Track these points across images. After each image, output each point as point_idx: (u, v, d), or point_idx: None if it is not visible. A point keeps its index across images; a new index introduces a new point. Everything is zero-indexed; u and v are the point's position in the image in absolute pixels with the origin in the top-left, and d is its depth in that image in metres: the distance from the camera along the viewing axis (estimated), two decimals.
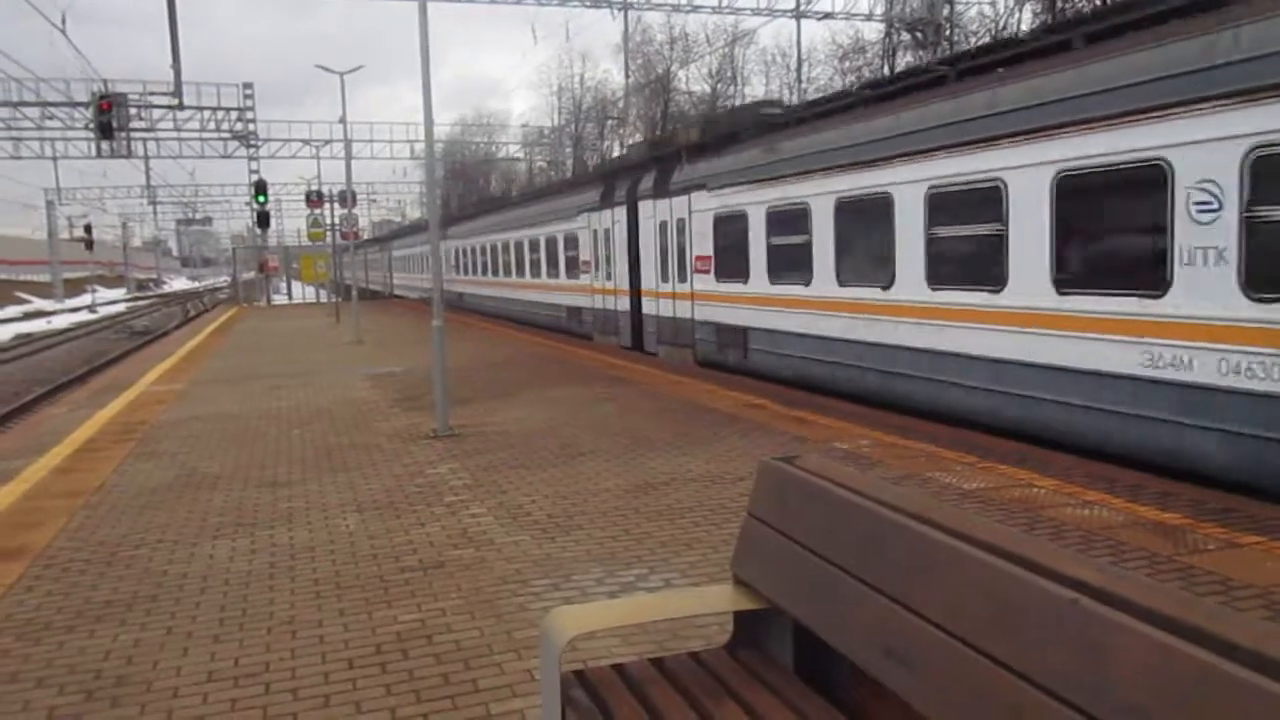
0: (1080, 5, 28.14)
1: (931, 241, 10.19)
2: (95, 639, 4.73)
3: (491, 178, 72.52)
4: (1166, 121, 7.40)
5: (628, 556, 5.73)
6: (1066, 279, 8.47)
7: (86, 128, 36.76)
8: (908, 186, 10.43)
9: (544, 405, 11.53)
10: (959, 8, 34.98)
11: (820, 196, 12.15)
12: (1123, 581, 1.83)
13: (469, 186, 71.37)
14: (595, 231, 20.33)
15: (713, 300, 15.22)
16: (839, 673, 2.76)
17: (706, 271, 15.30)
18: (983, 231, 9.44)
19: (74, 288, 71.78)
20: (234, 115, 39.95)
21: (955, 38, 33.38)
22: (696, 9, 35.72)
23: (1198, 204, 7.14)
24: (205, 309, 53.08)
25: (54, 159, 50.15)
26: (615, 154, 45.34)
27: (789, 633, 2.90)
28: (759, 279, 13.81)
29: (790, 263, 12.93)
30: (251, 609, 5.08)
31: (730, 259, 14.54)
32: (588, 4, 35.03)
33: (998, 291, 9.22)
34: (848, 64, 43.00)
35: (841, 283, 11.86)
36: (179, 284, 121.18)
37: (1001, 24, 34.32)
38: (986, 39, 31.96)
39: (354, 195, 29.65)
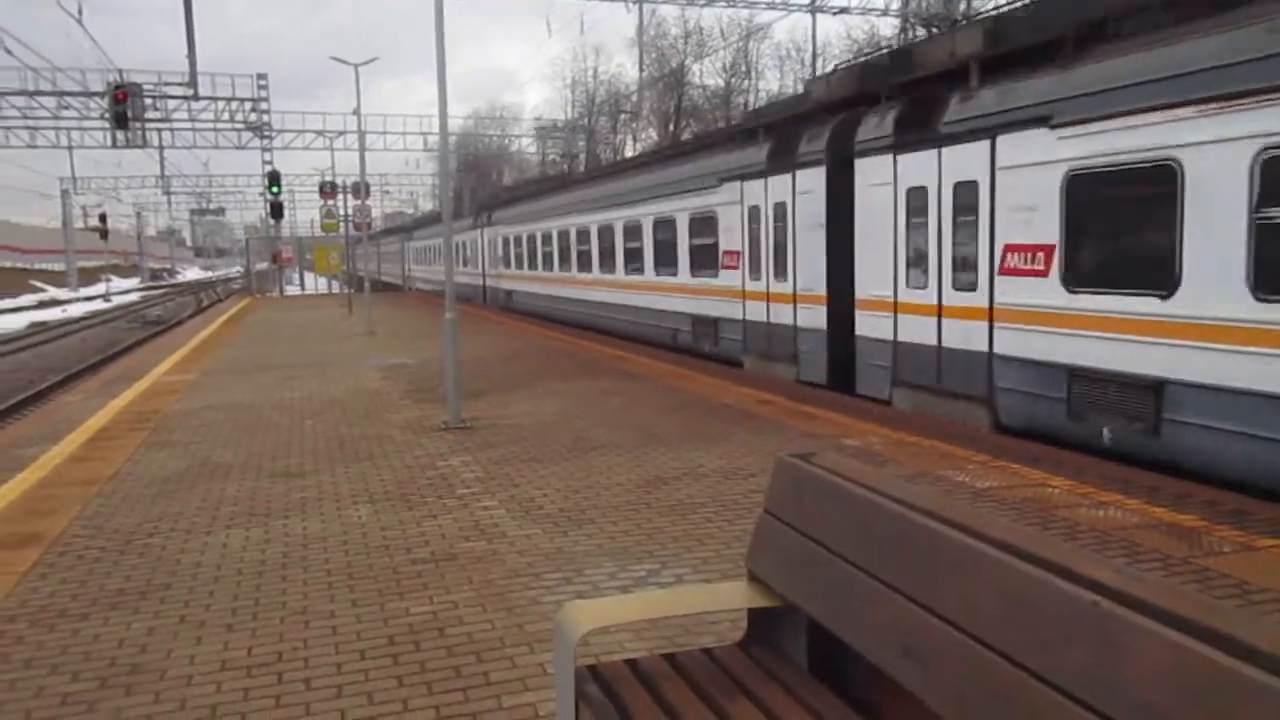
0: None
1: None
2: (109, 626, 4.76)
3: (504, 170, 72.56)
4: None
5: (639, 551, 5.73)
6: None
7: (102, 117, 36.88)
8: None
9: (555, 398, 11.54)
10: (975, 3, 34.82)
11: None
12: (1141, 583, 1.82)
13: (481, 179, 71.41)
14: (753, 208, 14.11)
15: (1047, 324, 8.94)
16: (854, 671, 2.75)
17: (1031, 272, 9.12)
18: None
19: (88, 277, 72.15)
20: (248, 106, 39.96)
21: None
22: (711, 2, 35.65)
23: None
24: (218, 299, 53.28)
25: (69, 148, 50.20)
26: (628, 151, 44.72)
27: (803, 630, 2.89)
28: (1210, 289, 7.36)
29: None
30: (265, 599, 5.10)
31: (1113, 251, 8.47)
32: None
33: None
34: (863, 59, 42.89)
35: None
36: (192, 274, 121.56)
37: None
38: None
39: (367, 187, 29.71)
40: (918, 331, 10.78)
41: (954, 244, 10.24)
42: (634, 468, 7.88)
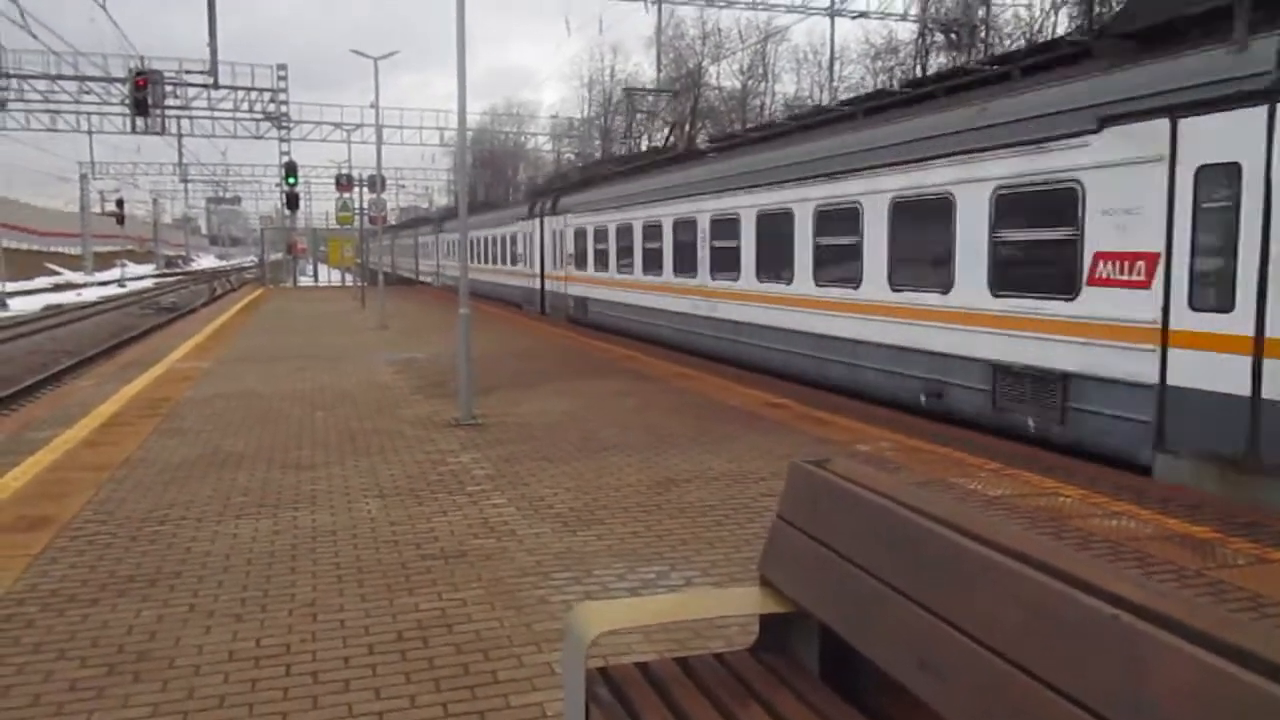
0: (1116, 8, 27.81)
1: None
2: (118, 613, 4.77)
3: (520, 167, 72.72)
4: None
5: (649, 553, 5.71)
6: None
7: (122, 103, 37.14)
8: None
9: (566, 397, 11.53)
10: (994, 9, 34.73)
11: None
12: (1164, 598, 1.80)
13: (496, 175, 71.60)
14: (1209, 171, 7.39)
15: None
16: (865, 679, 2.74)
17: None
18: None
19: (103, 261, 72.54)
20: (267, 96, 40.16)
21: (990, 40, 33.12)
22: (731, 4, 35.61)
23: None
24: (232, 288, 53.47)
25: (89, 133, 50.50)
26: (645, 146, 44.18)
27: (815, 637, 2.88)
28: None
29: None
30: (273, 590, 5.10)
31: None
32: None
33: None
34: (880, 64, 42.84)
35: None
36: (207, 262, 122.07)
37: (1037, 26, 34.03)
38: (1021, 42, 31.68)
39: (383, 180, 29.76)
40: None
41: None
42: (644, 468, 7.87)
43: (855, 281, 11.85)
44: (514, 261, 30.41)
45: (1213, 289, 7.41)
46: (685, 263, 17.00)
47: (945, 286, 10.24)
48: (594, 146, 58.39)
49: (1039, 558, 2.06)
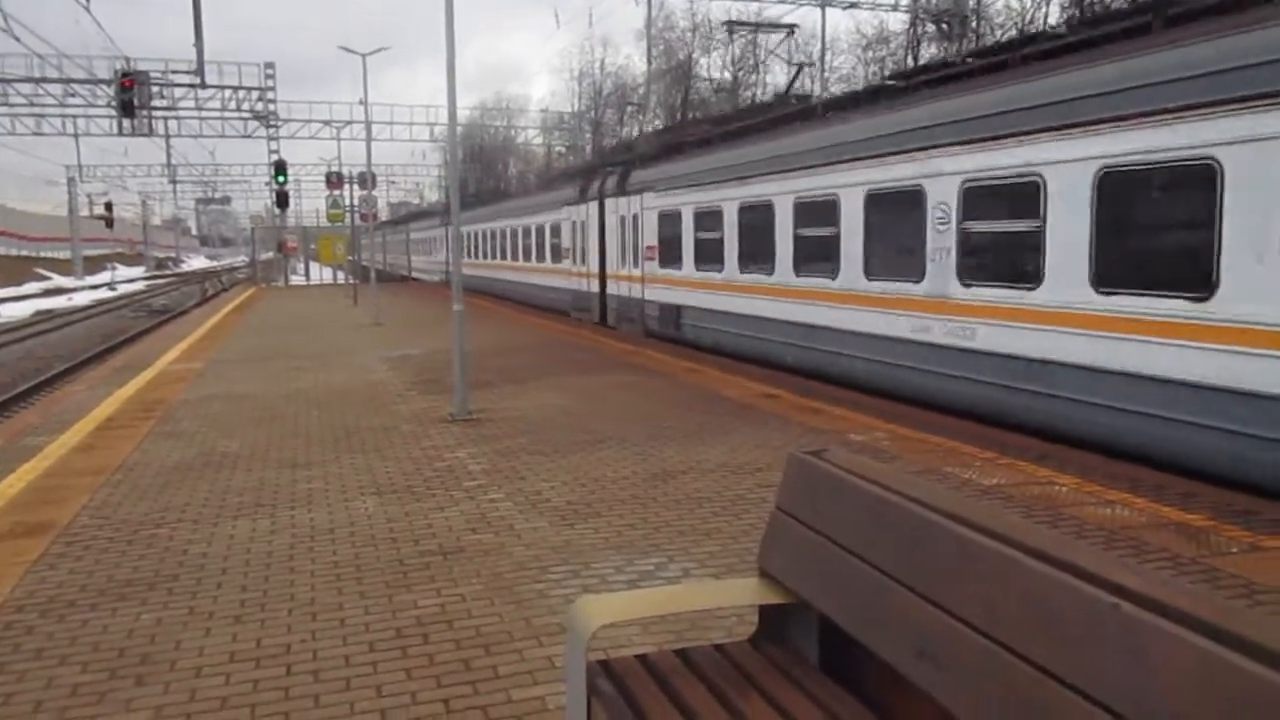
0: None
1: None
2: (118, 617, 4.76)
3: (510, 162, 72.54)
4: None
5: (646, 545, 5.73)
6: None
7: (108, 105, 36.97)
8: None
9: (562, 391, 11.53)
10: None
11: None
12: (1165, 587, 1.80)
13: (487, 170, 71.39)
14: None
15: None
16: (865, 669, 2.75)
17: None
18: None
19: (94, 265, 72.24)
20: (255, 95, 40.03)
21: (982, 30, 33.14)
22: None
23: None
24: (223, 288, 53.31)
25: (76, 136, 50.37)
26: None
27: (815, 627, 2.89)
28: None
29: None
30: (272, 590, 5.10)
31: None
32: None
33: None
34: (871, 54, 42.82)
35: None
36: (197, 263, 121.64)
37: (1028, 17, 34.02)
38: (1013, 32, 31.67)
39: (374, 177, 29.69)
40: None
41: None
42: (640, 461, 7.87)
43: None
44: (556, 257, 24.56)
45: None
46: (885, 261, 11.17)
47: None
48: (584, 140, 58.29)
49: (1038, 546, 2.06)
